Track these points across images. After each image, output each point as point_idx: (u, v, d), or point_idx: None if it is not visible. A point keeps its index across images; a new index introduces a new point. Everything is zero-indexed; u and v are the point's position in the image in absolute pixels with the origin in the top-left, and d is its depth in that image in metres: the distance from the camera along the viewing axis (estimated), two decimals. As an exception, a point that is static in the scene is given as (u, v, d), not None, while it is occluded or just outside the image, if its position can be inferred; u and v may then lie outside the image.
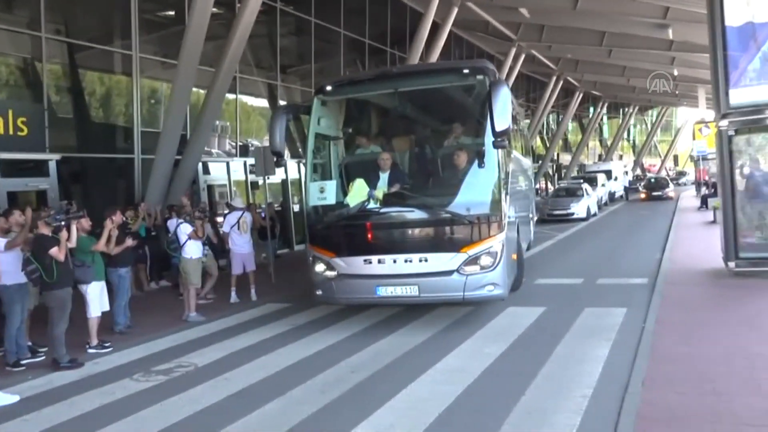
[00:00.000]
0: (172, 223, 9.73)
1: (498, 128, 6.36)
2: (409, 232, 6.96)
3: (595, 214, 24.24)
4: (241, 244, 9.87)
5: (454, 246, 6.82)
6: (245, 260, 9.92)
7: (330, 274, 7.08)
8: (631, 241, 15.56)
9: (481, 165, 6.87)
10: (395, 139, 8.01)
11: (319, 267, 7.19)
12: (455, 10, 20.74)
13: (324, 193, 7.23)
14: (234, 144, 16.30)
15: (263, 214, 12.21)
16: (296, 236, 16.84)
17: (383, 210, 7.04)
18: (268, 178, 12.49)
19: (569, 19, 21.29)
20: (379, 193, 7.11)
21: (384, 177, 7.23)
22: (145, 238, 10.58)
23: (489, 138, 6.62)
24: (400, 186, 7.12)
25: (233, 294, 9.85)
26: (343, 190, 7.41)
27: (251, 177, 15.11)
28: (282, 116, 7.14)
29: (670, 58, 25.05)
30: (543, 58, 29.75)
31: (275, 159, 7.29)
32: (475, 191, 6.90)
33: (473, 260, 6.67)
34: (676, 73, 25.64)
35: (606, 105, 49.02)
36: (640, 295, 8.60)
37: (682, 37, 20.55)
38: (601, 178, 31.79)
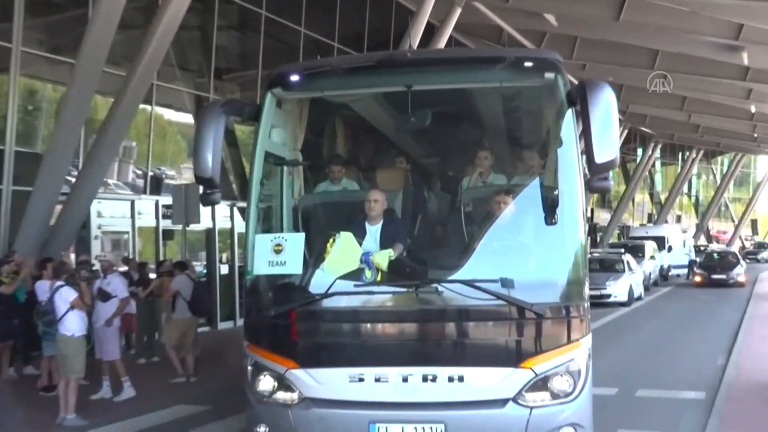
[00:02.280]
0: (43, 286, 9.81)
1: (601, 158, 5.29)
2: (432, 329, 5.78)
3: (639, 298, 23.98)
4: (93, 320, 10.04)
5: (510, 356, 5.63)
6: (101, 343, 10.19)
7: (286, 397, 5.74)
8: (686, 338, 15.68)
9: (551, 219, 5.87)
10: (394, 171, 7.25)
11: (266, 383, 5.83)
12: (458, 11, 19.96)
13: (281, 255, 5.85)
14: (143, 174, 16.41)
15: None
16: (222, 309, 17.13)
17: (385, 289, 5.82)
18: (188, 225, 12.78)
19: (611, 31, 20.74)
20: (382, 259, 5.85)
21: (373, 231, 6.20)
22: (21, 304, 10.79)
23: (570, 175, 5.83)
24: (402, 247, 6.10)
25: (104, 385, 10.26)
26: (312, 249, 6.12)
27: (165, 223, 15.30)
28: (217, 117, 5.85)
29: (745, 90, 24.64)
30: (574, 79, 28.28)
31: (205, 192, 5.97)
32: (544, 263, 5.90)
33: (542, 382, 5.52)
34: (753, 110, 24.72)
35: (659, 147, 47.64)
36: (693, 416, 8.46)
37: (762, 64, 19.50)
38: (650, 247, 30.58)
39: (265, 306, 6.17)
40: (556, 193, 5.85)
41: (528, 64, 6.31)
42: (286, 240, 5.99)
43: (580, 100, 5.47)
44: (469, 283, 5.54)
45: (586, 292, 5.98)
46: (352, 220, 6.27)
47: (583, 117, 5.39)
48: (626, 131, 39.78)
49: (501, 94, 6.77)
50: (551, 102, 6.08)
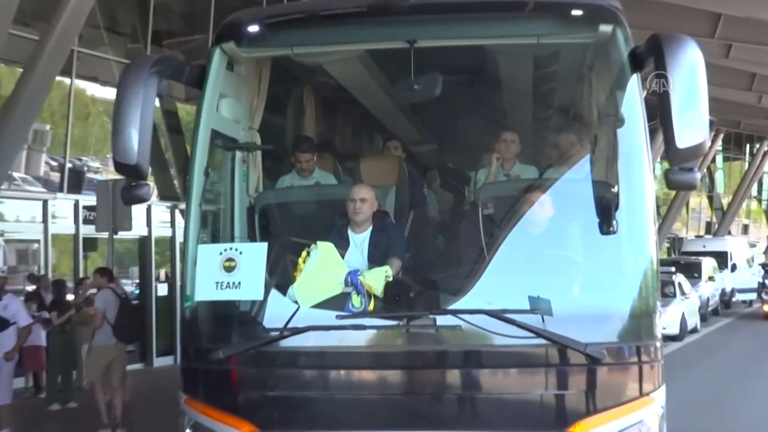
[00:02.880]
0: None
1: (684, 141, 4.95)
2: (444, 379, 5.46)
3: (694, 330, 24.08)
4: None
5: (553, 418, 5.30)
6: None
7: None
8: (754, 385, 15.67)
9: (608, 227, 5.54)
10: (386, 161, 7.54)
11: (211, 455, 5.38)
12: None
13: (234, 273, 5.46)
14: (59, 166, 16.41)
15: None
16: (158, 341, 17.21)
17: (380, 322, 5.51)
18: (116, 232, 12.93)
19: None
20: (375, 279, 5.54)
21: (359, 241, 6.04)
22: None
23: (636, 165, 5.58)
24: (401, 263, 5.93)
25: None
26: (278, 266, 5.96)
27: (88, 230, 15.53)
28: (146, 80, 5.44)
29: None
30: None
31: (128, 184, 5.61)
32: (599, 288, 5.61)
33: None
34: None
35: (721, 137, 46.58)
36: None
37: None
38: (708, 265, 29.83)
39: (211, 345, 5.70)
40: (614, 190, 5.57)
41: (575, 12, 5.91)
42: (241, 253, 5.55)
43: (654, 60, 5.10)
44: (496, 315, 5.13)
45: (659, 327, 5.67)
46: (329, 227, 6.11)
47: (658, 84, 5.06)
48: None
49: (536, 55, 6.58)
50: (608, 64, 5.81)
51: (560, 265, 5.79)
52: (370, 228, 5.98)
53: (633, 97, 5.43)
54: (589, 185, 5.82)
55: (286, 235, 6.32)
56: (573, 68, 6.72)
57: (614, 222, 5.47)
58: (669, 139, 4.99)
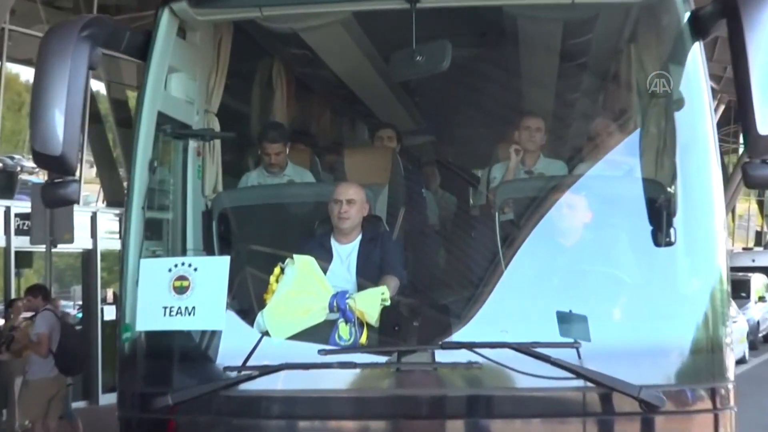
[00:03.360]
0: None
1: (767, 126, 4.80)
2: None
3: (743, 360, 23.85)
4: None
5: None
6: None
7: None
8: None
9: (664, 237, 5.44)
10: (376, 153, 7.52)
11: None
12: None
13: (187, 296, 5.22)
14: None
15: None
16: (104, 375, 17.17)
17: (375, 359, 5.34)
18: (55, 245, 13.07)
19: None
20: (368, 303, 5.36)
21: (345, 253, 5.91)
22: None
23: (700, 159, 5.43)
24: (399, 282, 5.76)
25: None
26: (242, 287, 5.78)
27: (21, 242, 15.59)
28: (75, 48, 5.17)
29: None
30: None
31: (50, 181, 5.39)
32: (655, 315, 5.36)
33: None
34: None
35: None
36: None
37: None
38: (758, 282, 30.13)
39: (157, 389, 5.43)
40: (671, 189, 5.46)
41: None
42: (195, 269, 5.33)
43: (728, 24, 4.89)
44: (526, 350, 4.94)
45: (731, 364, 5.46)
46: (307, 236, 6.00)
47: (734, 55, 4.81)
48: (722, 106, 37.41)
49: (568, 20, 6.46)
50: (660, 31, 5.75)
51: (603, 286, 5.54)
52: (359, 237, 5.81)
53: (695, 71, 5.34)
54: (638, 184, 5.67)
55: (252, 246, 6.19)
56: (614, 37, 6.61)
57: (672, 230, 5.32)
58: (748, 124, 4.78)
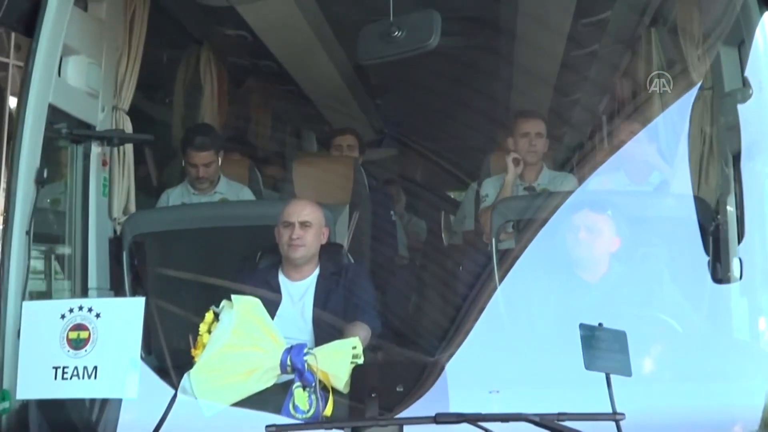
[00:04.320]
0: None
1: None
2: None
3: None
4: None
5: None
6: None
7: None
8: None
9: (722, 270, 5.16)
10: (335, 164, 7.28)
11: None
12: None
13: (84, 351, 4.62)
14: None
15: None
16: None
17: None
18: None
19: None
20: (331, 359, 4.87)
21: (297, 293, 5.51)
22: None
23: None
24: (370, 330, 5.32)
25: None
26: (162, 337, 5.26)
27: None
28: None
29: None
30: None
31: None
32: (718, 374, 4.87)
33: None
34: None
35: None
36: None
37: None
38: None
39: None
40: (731, 208, 5.21)
41: None
42: (98, 316, 4.68)
43: None
44: (552, 424, 4.25)
45: None
46: (247, 270, 5.69)
47: None
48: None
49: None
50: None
51: (645, 336, 4.94)
52: (316, 271, 5.47)
53: (762, 50, 4.95)
54: (688, 203, 5.36)
55: (176, 284, 5.87)
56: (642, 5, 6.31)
57: (735, 262, 4.98)
58: None
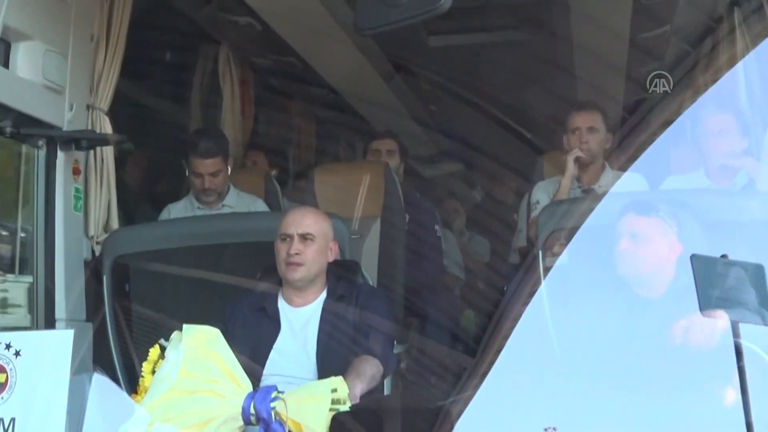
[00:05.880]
0: None
1: None
2: None
3: None
4: None
5: None
6: None
7: None
8: None
9: None
10: (365, 171, 6.53)
11: None
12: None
13: (1, 399, 3.88)
14: None
15: None
16: None
17: None
18: None
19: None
20: (310, 407, 4.14)
21: (299, 321, 4.72)
22: None
23: None
24: (381, 365, 4.58)
25: None
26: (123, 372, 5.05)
27: None
28: None
29: None
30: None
31: None
32: None
33: None
34: None
35: None
36: None
37: None
38: None
39: None
40: None
41: None
42: (17, 353, 3.95)
43: None
44: None
45: None
46: (244, 295, 4.98)
47: None
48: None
49: None
50: None
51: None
52: (323, 295, 4.76)
53: None
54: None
55: (167, 310, 5.15)
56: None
57: None
58: None
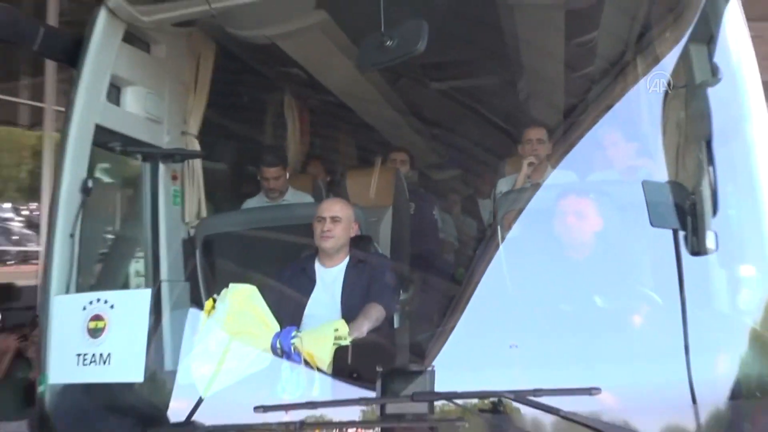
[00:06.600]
0: None
1: None
2: None
3: None
4: None
5: None
6: None
7: None
8: None
9: (697, 243, 3.31)
10: (381, 174, 5.73)
11: None
12: None
13: (101, 339, 3.30)
14: None
15: None
16: None
17: (328, 414, 3.17)
18: None
19: None
20: (317, 341, 3.52)
21: (329, 278, 4.20)
22: None
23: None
24: (384, 310, 3.96)
25: None
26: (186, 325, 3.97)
27: None
28: None
29: None
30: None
31: None
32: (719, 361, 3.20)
33: None
34: None
35: None
36: None
37: None
38: None
39: None
40: (705, 190, 3.49)
41: None
42: (112, 306, 3.37)
43: None
44: (525, 400, 2.93)
45: None
46: (291, 261, 4.44)
47: None
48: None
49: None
50: None
51: (627, 310, 3.49)
52: (346, 260, 4.29)
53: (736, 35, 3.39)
54: (667, 186, 3.73)
55: (240, 275, 4.37)
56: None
57: (709, 234, 3.31)
58: None
